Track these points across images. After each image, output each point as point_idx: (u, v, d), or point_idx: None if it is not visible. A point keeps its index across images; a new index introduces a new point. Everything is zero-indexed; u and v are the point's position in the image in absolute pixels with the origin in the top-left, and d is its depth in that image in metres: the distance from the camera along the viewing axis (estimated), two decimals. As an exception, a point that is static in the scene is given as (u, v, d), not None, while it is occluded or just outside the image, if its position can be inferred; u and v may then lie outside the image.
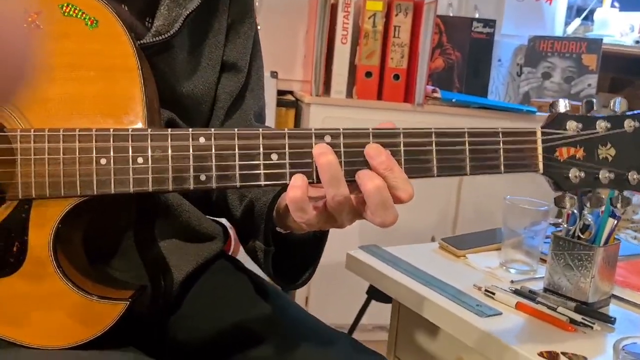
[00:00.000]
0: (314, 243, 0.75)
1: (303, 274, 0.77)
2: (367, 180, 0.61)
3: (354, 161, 0.62)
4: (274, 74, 1.94)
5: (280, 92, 2.00)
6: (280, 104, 1.98)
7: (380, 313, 1.58)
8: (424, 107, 1.92)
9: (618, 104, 0.68)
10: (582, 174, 0.67)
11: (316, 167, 0.62)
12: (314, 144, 0.62)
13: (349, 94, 1.93)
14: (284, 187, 0.70)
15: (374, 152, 0.62)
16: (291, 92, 2.04)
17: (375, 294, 1.66)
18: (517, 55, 2.28)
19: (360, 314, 1.75)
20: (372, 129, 0.64)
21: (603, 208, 0.94)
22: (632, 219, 1.85)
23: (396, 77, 1.91)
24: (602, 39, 2.19)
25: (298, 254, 0.76)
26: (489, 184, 1.95)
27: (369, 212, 0.62)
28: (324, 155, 0.61)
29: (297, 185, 0.61)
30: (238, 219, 0.83)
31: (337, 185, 0.60)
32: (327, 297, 1.93)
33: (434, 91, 1.94)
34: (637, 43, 2.31)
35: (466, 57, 2.09)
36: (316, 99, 1.90)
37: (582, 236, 0.96)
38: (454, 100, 1.95)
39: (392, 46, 1.89)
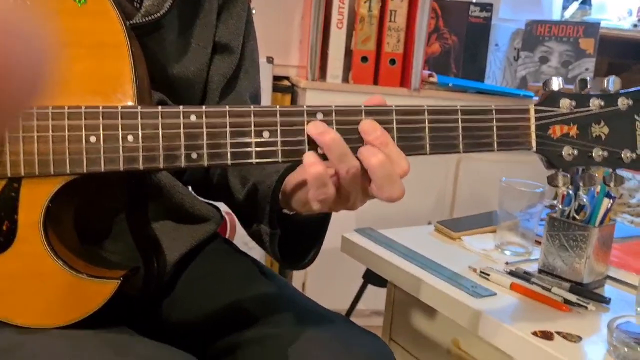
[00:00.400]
0: (318, 223, 0.75)
1: (307, 254, 0.77)
2: (371, 156, 0.60)
3: (347, 138, 0.62)
4: (270, 60, 1.93)
5: (276, 78, 1.99)
6: (276, 89, 1.97)
7: (377, 298, 1.58)
8: (420, 92, 1.91)
9: (612, 82, 0.67)
10: (575, 152, 0.66)
11: (309, 144, 0.61)
12: (305, 122, 0.62)
13: (345, 79, 1.92)
14: (288, 169, 0.70)
15: (369, 127, 0.62)
16: (287, 78, 2.03)
17: (371, 278, 1.67)
18: (514, 39, 2.26)
19: (356, 298, 1.75)
20: (364, 106, 0.64)
21: (598, 188, 0.93)
22: (629, 202, 1.85)
23: (392, 61, 1.90)
24: (599, 23, 2.18)
25: (303, 235, 0.76)
26: (486, 169, 1.94)
27: (375, 188, 0.61)
28: (326, 134, 0.60)
29: (314, 161, 0.60)
30: (241, 202, 0.82)
31: (347, 159, 0.60)
32: (324, 282, 1.94)
33: (430, 76, 1.94)
34: (634, 27, 2.30)
35: (463, 41, 2.08)
36: (312, 83, 1.89)
37: (577, 217, 0.95)
38: (450, 84, 1.94)
39: (388, 31, 1.88)
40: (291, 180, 0.70)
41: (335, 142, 0.60)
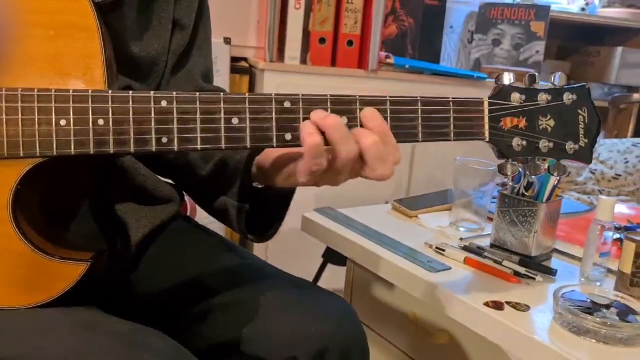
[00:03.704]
0: (283, 197, 0.77)
1: (270, 228, 0.79)
2: (364, 137, 0.64)
3: None
4: (227, 40, 1.93)
5: (234, 59, 1.99)
6: (234, 70, 1.96)
7: (336, 277, 1.61)
8: (377, 73, 1.94)
9: (558, 77, 0.72)
10: (524, 143, 0.71)
11: (277, 131, 0.64)
12: (274, 109, 0.64)
13: (303, 60, 1.94)
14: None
15: (371, 115, 0.65)
16: (245, 59, 2.03)
17: (330, 257, 1.70)
18: (468, 22, 2.32)
19: (316, 277, 1.78)
20: (330, 95, 0.66)
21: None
22: (576, 180, 1.94)
23: (350, 43, 1.93)
24: (549, 6, 2.25)
25: (268, 209, 0.78)
26: (440, 151, 2.00)
27: (367, 169, 0.65)
28: (329, 118, 0.63)
29: (313, 131, 0.63)
30: (204, 178, 0.83)
31: (348, 141, 0.63)
32: (284, 261, 1.96)
33: (387, 57, 1.97)
34: (582, 10, 2.38)
35: (419, 23, 2.12)
36: (270, 65, 1.90)
37: (526, 193, 1.01)
38: (407, 66, 1.98)
39: (345, 12, 1.90)
40: (272, 153, 0.72)
41: (340, 124, 0.63)
